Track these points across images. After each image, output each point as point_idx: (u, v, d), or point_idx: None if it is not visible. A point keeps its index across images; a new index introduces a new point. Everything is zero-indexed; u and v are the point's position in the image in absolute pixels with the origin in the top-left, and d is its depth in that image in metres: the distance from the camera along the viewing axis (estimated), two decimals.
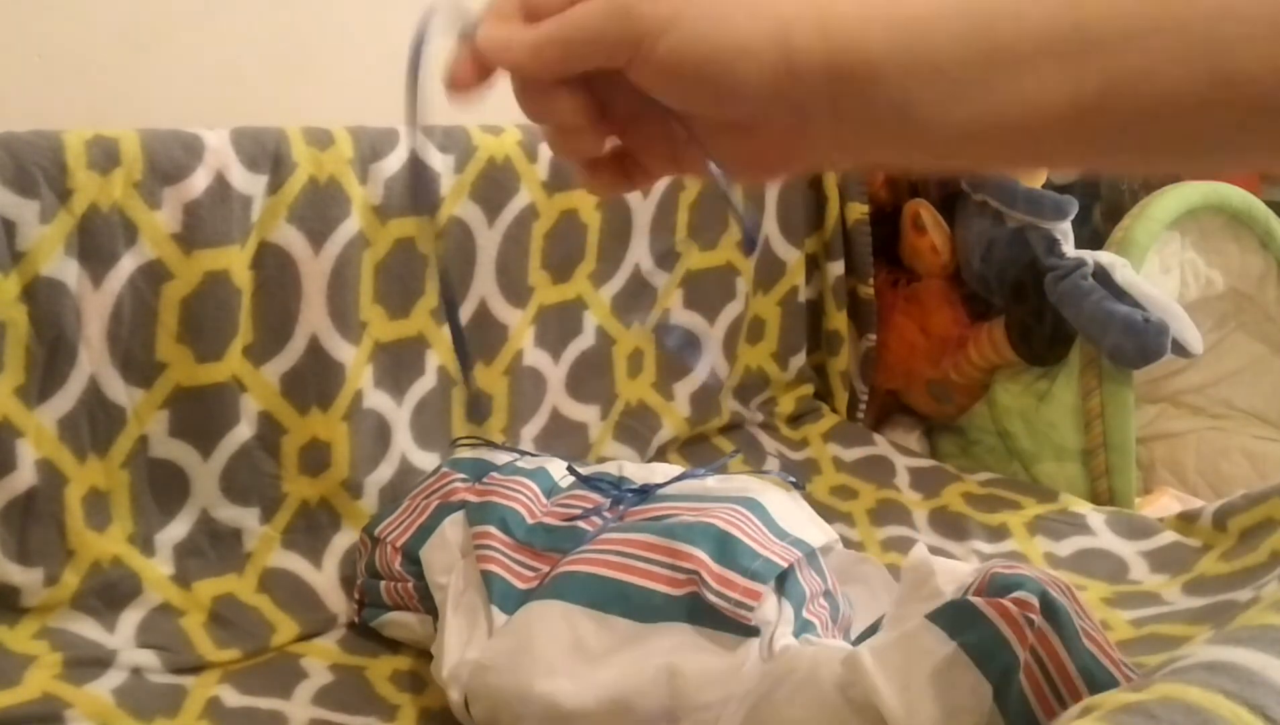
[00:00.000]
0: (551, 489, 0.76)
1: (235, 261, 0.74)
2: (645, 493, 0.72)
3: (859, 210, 1.08)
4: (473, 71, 0.39)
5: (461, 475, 0.76)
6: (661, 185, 0.97)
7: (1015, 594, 0.52)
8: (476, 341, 0.89)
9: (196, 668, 0.71)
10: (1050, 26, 0.31)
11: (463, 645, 0.65)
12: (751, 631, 0.60)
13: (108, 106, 0.78)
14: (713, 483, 0.72)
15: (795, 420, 1.08)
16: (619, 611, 0.61)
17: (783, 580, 0.63)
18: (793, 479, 0.74)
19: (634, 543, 0.64)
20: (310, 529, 0.80)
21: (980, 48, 0.32)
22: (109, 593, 0.71)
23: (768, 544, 0.63)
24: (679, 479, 0.73)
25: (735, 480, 0.73)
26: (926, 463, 1.01)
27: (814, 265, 1.10)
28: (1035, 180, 1.08)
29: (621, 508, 0.71)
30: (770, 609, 0.61)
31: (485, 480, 0.75)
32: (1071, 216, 1.02)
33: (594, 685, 0.59)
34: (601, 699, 0.58)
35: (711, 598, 0.59)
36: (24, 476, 0.68)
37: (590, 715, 0.58)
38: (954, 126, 0.33)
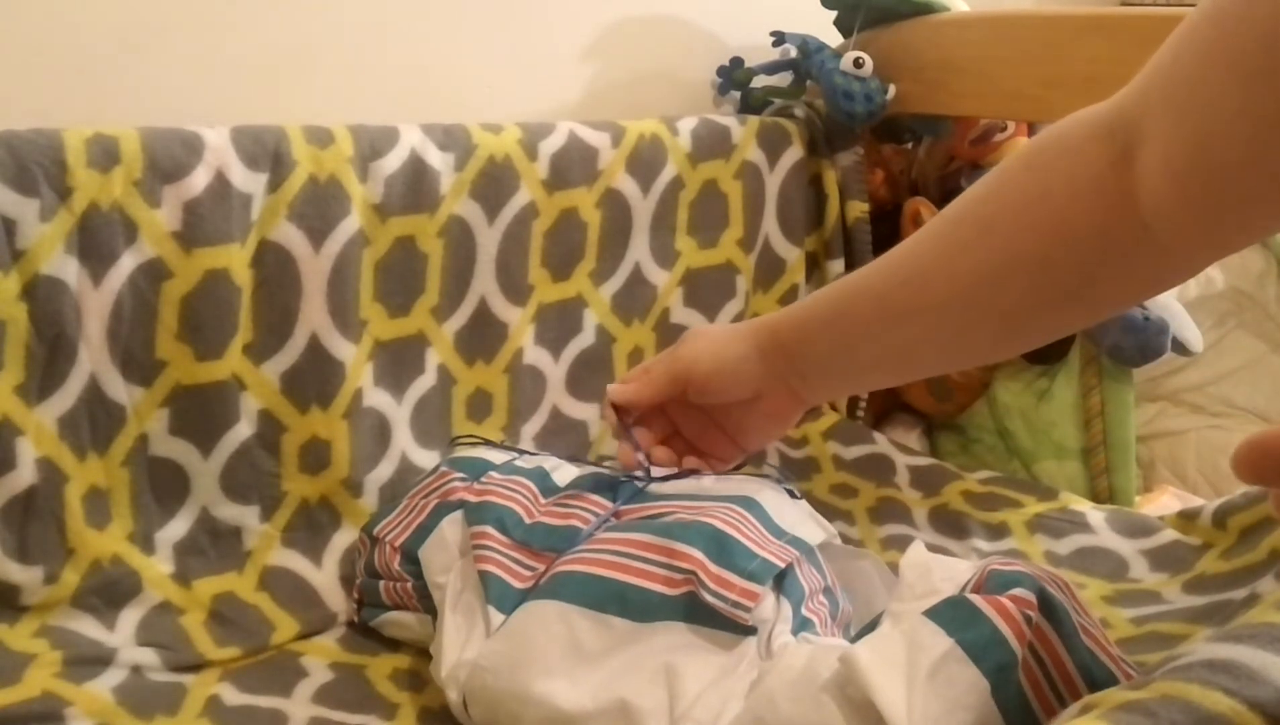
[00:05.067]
0: (550, 488, 0.76)
1: (235, 260, 0.74)
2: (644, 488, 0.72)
3: (859, 208, 1.08)
4: (612, 411, 0.72)
5: (460, 474, 0.76)
6: (663, 182, 0.97)
7: (1013, 591, 0.52)
8: (477, 340, 0.89)
9: (196, 666, 0.71)
10: (855, 322, 0.63)
11: (461, 645, 0.65)
12: (749, 630, 0.60)
13: (108, 104, 0.78)
14: (709, 482, 0.72)
15: None
16: (616, 611, 0.61)
17: (781, 578, 0.63)
18: (790, 487, 0.74)
19: (630, 542, 0.64)
20: (310, 527, 0.80)
21: (835, 334, 0.64)
22: (109, 591, 0.71)
23: (765, 543, 0.63)
24: (677, 477, 0.73)
25: (732, 480, 0.73)
26: (926, 461, 1.01)
27: (814, 263, 1.10)
28: None
29: (618, 504, 0.71)
30: (768, 607, 0.61)
31: (483, 480, 0.75)
32: None
33: (592, 686, 0.59)
34: (599, 699, 0.58)
35: (709, 598, 0.59)
36: (24, 475, 0.68)
37: (589, 716, 0.58)
38: (842, 368, 0.66)
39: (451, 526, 0.72)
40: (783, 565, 0.62)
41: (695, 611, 0.60)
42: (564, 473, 0.78)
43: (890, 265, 0.61)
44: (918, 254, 0.59)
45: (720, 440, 0.72)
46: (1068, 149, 0.53)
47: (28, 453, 0.68)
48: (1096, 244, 0.51)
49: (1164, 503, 1.01)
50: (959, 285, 0.56)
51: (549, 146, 0.90)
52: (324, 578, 0.79)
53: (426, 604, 0.71)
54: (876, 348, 0.62)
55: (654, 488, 0.73)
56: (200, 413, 0.75)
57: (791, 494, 0.73)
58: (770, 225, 1.06)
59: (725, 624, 0.60)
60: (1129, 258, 0.51)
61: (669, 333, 1.00)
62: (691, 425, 0.73)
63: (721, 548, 0.61)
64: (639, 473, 0.73)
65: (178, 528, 0.75)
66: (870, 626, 0.58)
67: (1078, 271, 0.53)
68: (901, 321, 0.60)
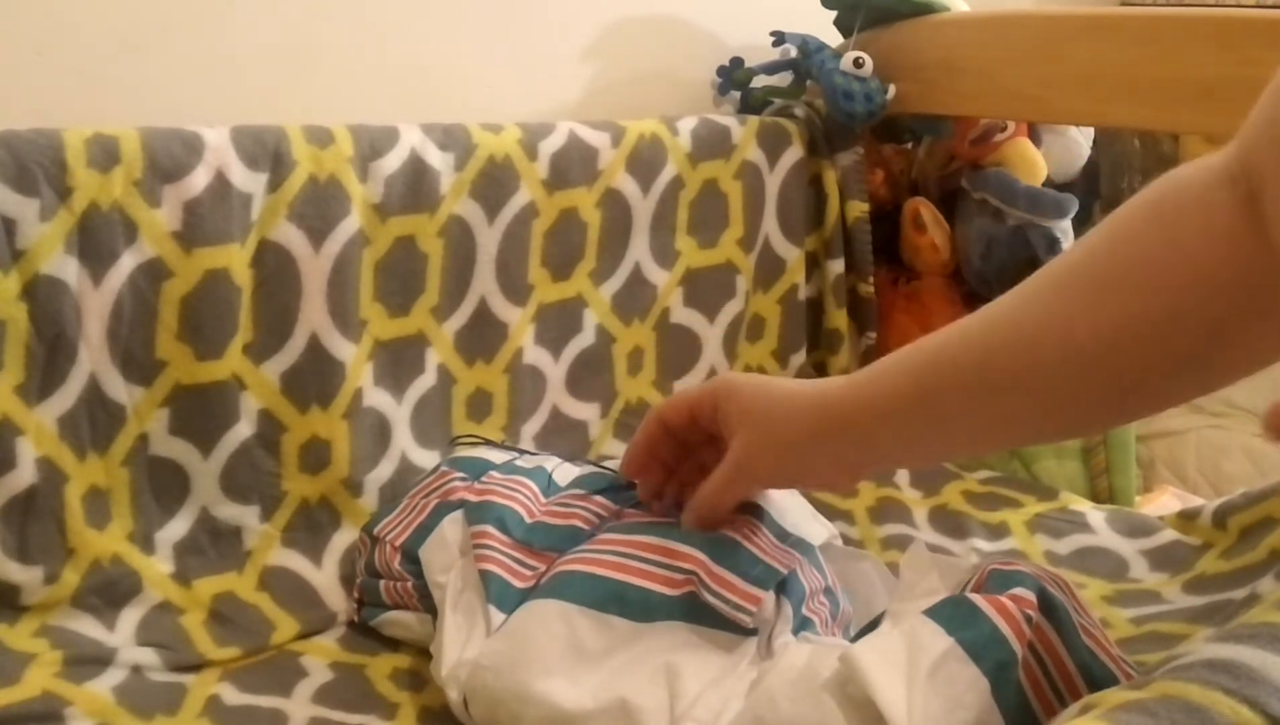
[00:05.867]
0: (551, 488, 0.76)
1: (235, 260, 0.74)
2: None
3: (859, 208, 1.08)
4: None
5: (460, 474, 0.76)
6: (662, 182, 0.97)
7: (1013, 590, 0.52)
8: (477, 340, 0.89)
9: (196, 666, 0.71)
10: (949, 400, 0.55)
11: (461, 645, 0.65)
12: (750, 630, 0.60)
13: (108, 104, 0.78)
14: None
15: None
16: (616, 611, 0.61)
17: (783, 579, 0.63)
18: None
19: (632, 543, 0.64)
20: (310, 527, 0.80)
21: (925, 416, 0.56)
22: (109, 591, 0.71)
23: (769, 549, 0.63)
24: None
25: None
26: None
27: (814, 263, 1.10)
28: (1035, 178, 1.08)
29: (621, 506, 0.71)
30: (769, 608, 0.61)
31: (484, 479, 0.75)
32: (1072, 215, 1.02)
33: (592, 685, 0.59)
34: (600, 699, 0.58)
35: (710, 599, 0.59)
36: (24, 474, 0.68)
37: (589, 715, 0.58)
38: (925, 450, 0.61)
39: (452, 526, 0.72)
40: (786, 572, 0.62)
41: (696, 611, 0.60)
42: (565, 472, 0.78)
43: (985, 329, 0.55)
44: (1021, 317, 0.54)
45: None
46: (1192, 198, 0.49)
47: (28, 452, 0.68)
48: (1230, 296, 0.47)
49: (1164, 502, 1.01)
50: (1074, 348, 0.51)
51: (549, 146, 0.90)
52: (324, 577, 0.79)
53: (427, 603, 0.71)
54: (973, 425, 0.56)
55: None
56: (200, 412, 0.75)
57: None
58: (770, 225, 1.06)
59: (726, 624, 0.60)
60: (1264, 309, 0.47)
61: (669, 333, 1.00)
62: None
63: (723, 550, 0.61)
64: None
65: (178, 527, 0.75)
66: (870, 627, 0.58)
67: (1208, 328, 0.48)
68: (1003, 393, 0.53)
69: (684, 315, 1.01)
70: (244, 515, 0.77)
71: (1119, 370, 0.50)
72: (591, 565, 0.64)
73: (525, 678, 0.59)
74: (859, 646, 0.53)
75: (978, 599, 0.52)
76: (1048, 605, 0.52)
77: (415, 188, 0.82)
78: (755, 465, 0.62)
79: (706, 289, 1.02)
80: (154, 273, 0.71)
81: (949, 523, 0.91)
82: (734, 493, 0.64)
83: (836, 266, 1.09)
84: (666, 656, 0.59)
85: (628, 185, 0.95)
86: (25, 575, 0.68)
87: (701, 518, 0.64)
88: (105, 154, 0.69)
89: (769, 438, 0.60)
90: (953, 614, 0.51)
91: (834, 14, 1.12)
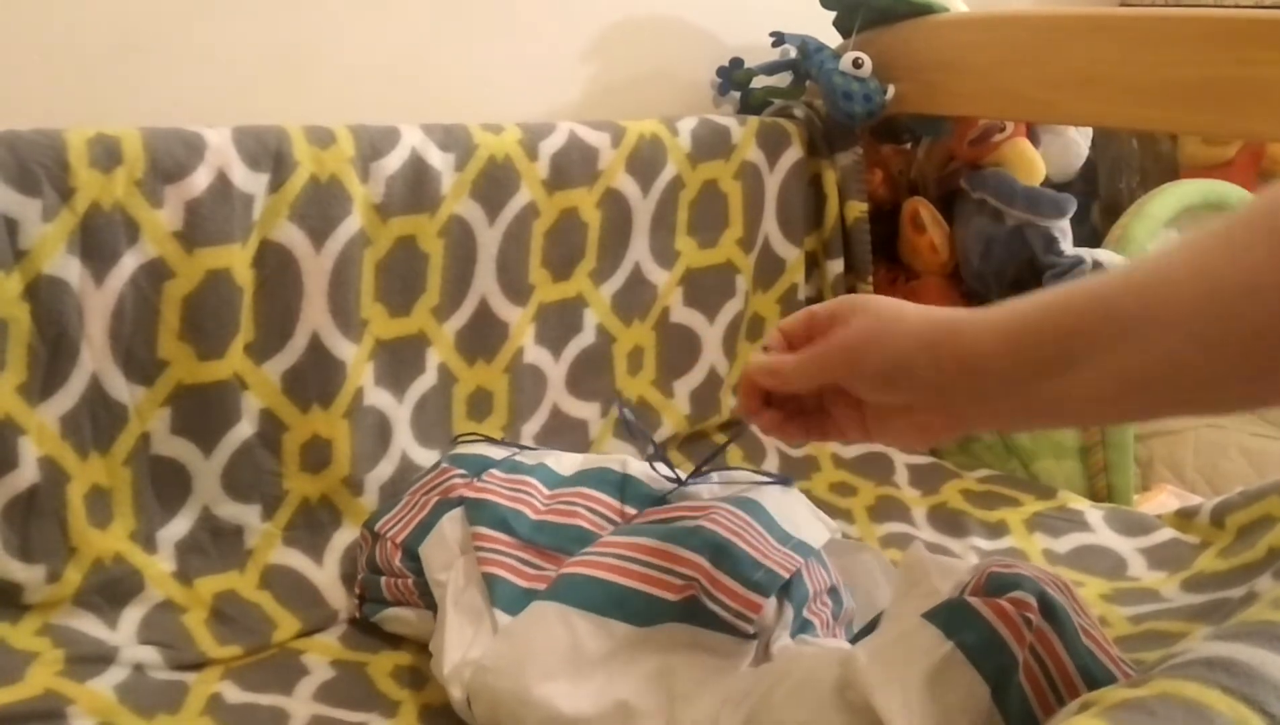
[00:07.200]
0: (553, 479, 0.75)
1: (237, 260, 0.74)
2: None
3: (858, 208, 1.08)
4: (754, 394, 0.59)
5: (460, 471, 0.77)
6: (663, 182, 0.97)
7: (1012, 594, 0.52)
8: (477, 340, 0.89)
9: (198, 664, 0.71)
10: (1090, 328, 0.46)
11: (465, 644, 0.65)
12: (750, 635, 0.60)
13: (110, 105, 0.78)
14: (716, 487, 0.72)
15: None
16: (617, 615, 0.61)
17: (786, 582, 0.63)
18: (786, 479, 0.74)
19: (633, 546, 0.64)
20: (311, 526, 0.80)
21: (1054, 344, 0.47)
22: (111, 590, 0.71)
23: (769, 552, 0.63)
24: (694, 478, 0.73)
25: (737, 484, 0.72)
26: (925, 459, 1.01)
27: (813, 263, 1.10)
28: (1034, 178, 1.08)
29: (624, 505, 0.71)
30: (769, 613, 0.61)
31: (484, 477, 0.75)
32: (1070, 214, 1.02)
33: (591, 689, 0.59)
34: (599, 703, 0.58)
35: (711, 605, 0.59)
36: (26, 474, 0.68)
37: (588, 720, 0.58)
38: (1039, 397, 0.48)
39: (451, 524, 0.72)
40: (787, 576, 0.62)
41: (695, 616, 0.60)
42: (566, 463, 0.78)
43: (1126, 270, 0.48)
44: (1159, 259, 0.46)
45: (854, 418, 0.59)
46: None
47: (30, 452, 0.68)
48: None
49: (1162, 501, 1.01)
50: (1208, 285, 0.43)
51: (549, 146, 0.90)
52: (325, 576, 0.79)
53: (428, 600, 0.71)
54: (1093, 370, 0.46)
55: (660, 487, 0.73)
56: (202, 412, 0.75)
57: (785, 483, 0.72)
58: (770, 225, 1.06)
59: (725, 627, 0.60)
60: None
61: (669, 332, 1.01)
62: (836, 397, 0.60)
63: (724, 555, 0.61)
64: (668, 475, 0.73)
65: (179, 526, 0.76)
66: (871, 626, 0.58)
67: None
68: (1134, 334, 0.45)
69: (684, 315, 1.01)
70: (245, 514, 0.78)
71: (1258, 325, 0.42)
72: (593, 568, 0.64)
73: (526, 681, 0.60)
74: (858, 650, 0.53)
75: (977, 602, 0.52)
76: (1048, 608, 0.52)
77: (416, 188, 0.82)
78: (859, 348, 0.55)
79: (706, 289, 1.02)
80: (156, 273, 0.72)
81: (948, 521, 0.91)
82: (818, 369, 0.56)
83: (836, 266, 1.09)
84: (665, 660, 0.59)
85: (628, 185, 0.95)
86: (27, 574, 0.68)
87: (776, 380, 0.58)
88: (107, 154, 0.69)
89: (880, 326, 0.54)
90: (951, 617, 0.51)
91: (833, 14, 1.12)
